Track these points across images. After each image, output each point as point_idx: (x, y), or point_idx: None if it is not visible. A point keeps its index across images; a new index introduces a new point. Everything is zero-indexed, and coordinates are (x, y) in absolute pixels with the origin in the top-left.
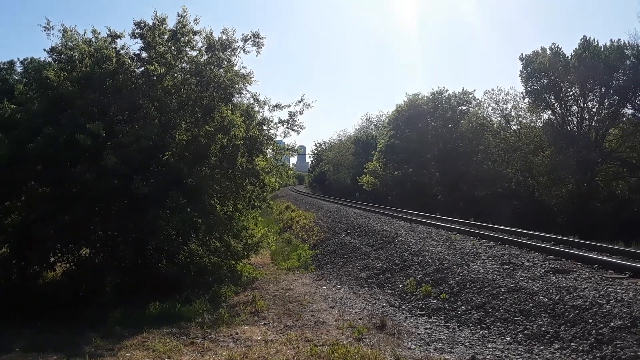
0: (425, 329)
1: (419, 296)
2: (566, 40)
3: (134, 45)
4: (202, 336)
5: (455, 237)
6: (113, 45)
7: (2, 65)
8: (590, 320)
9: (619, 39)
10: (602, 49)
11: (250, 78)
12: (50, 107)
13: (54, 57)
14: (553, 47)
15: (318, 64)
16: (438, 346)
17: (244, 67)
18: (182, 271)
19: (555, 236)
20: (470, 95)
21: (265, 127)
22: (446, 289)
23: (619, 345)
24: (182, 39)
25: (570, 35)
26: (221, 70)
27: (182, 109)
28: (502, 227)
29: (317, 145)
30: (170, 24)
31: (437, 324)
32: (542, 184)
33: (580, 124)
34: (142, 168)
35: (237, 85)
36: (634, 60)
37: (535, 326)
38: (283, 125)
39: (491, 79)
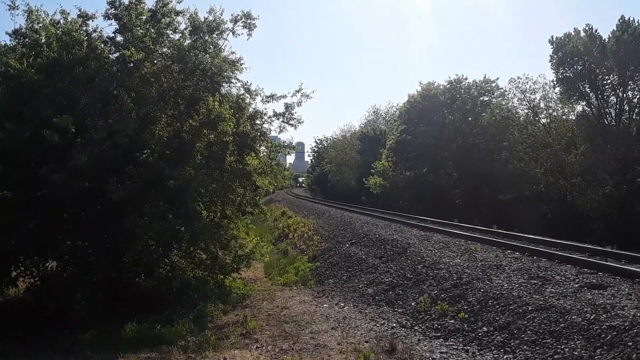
0: (441, 353)
1: (433, 315)
2: (601, 21)
3: (108, 28)
4: None
5: (476, 247)
6: (84, 28)
7: None
8: (630, 343)
9: None
10: None
11: (241, 65)
12: (11, 98)
13: (17, 40)
14: (588, 28)
15: (319, 50)
16: None
17: (233, 53)
18: (163, 287)
19: (591, 246)
20: (493, 84)
21: (258, 121)
22: (465, 307)
23: None
24: (163, 20)
25: (606, 15)
26: (207, 55)
27: (163, 100)
28: (529, 236)
29: (318, 142)
30: (150, 2)
31: (454, 347)
32: (575, 186)
33: (619, 117)
34: (117, 168)
35: (225, 73)
36: None
37: (567, 350)
38: (278, 119)
39: (516, 65)
